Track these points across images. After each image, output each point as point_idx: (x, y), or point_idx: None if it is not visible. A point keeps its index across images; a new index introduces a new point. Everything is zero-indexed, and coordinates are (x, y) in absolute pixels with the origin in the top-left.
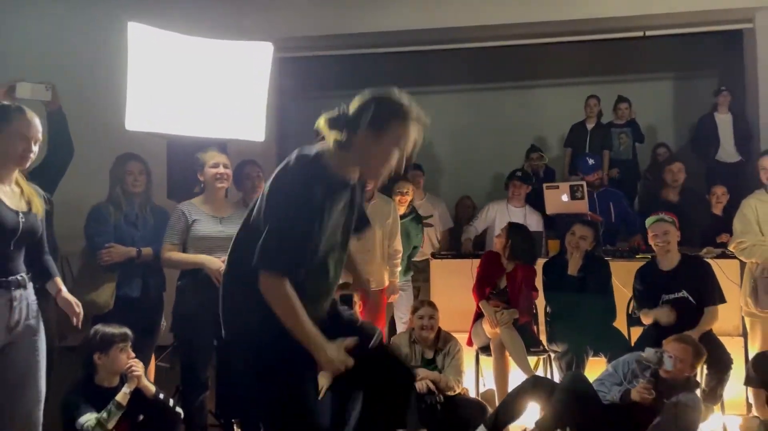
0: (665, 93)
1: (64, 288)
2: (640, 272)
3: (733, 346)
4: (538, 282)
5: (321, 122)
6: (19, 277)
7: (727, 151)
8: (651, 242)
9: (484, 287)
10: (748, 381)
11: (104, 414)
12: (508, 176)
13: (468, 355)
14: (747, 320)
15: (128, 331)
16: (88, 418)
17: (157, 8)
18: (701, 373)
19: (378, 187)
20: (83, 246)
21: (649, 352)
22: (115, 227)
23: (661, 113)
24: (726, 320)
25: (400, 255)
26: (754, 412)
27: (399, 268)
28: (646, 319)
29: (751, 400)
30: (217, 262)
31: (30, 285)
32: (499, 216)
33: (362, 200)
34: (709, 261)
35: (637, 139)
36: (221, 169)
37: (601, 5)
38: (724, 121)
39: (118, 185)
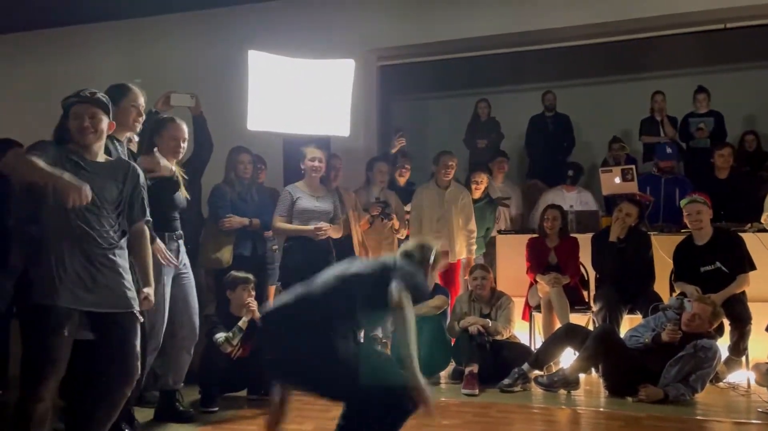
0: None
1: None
2: (678, 248)
3: None
4: (587, 251)
5: None
6: (176, 233)
7: None
8: (686, 220)
9: (536, 269)
10: None
11: (230, 334)
12: None
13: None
14: None
15: (250, 276)
16: (220, 335)
17: (273, 35)
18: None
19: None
20: (207, 217)
21: (671, 299)
22: (231, 202)
23: (763, 101)
24: (764, 287)
25: (475, 234)
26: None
27: (474, 247)
28: (678, 290)
29: None
30: (311, 229)
31: (182, 239)
32: (556, 200)
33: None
34: (752, 234)
35: (717, 133)
36: (316, 163)
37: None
38: None
39: (232, 171)
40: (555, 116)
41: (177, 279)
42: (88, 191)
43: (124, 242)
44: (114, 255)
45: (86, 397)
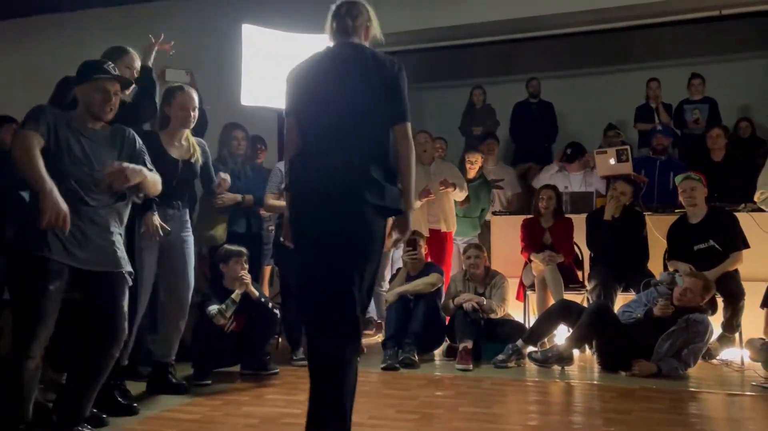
0: (761, 71)
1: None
2: (672, 226)
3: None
4: (581, 232)
5: None
6: (174, 203)
7: None
8: (680, 197)
9: (531, 248)
10: (763, 304)
11: (223, 306)
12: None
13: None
14: None
15: (243, 249)
16: (213, 307)
17: (268, 11)
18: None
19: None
20: (202, 194)
21: (663, 274)
22: None
23: (757, 91)
24: (759, 265)
25: (465, 193)
26: (762, 334)
27: (465, 190)
28: (672, 268)
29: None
30: None
31: (185, 212)
32: (560, 181)
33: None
34: (746, 213)
35: (712, 120)
36: None
37: None
38: None
39: (225, 147)
40: (539, 103)
41: (171, 251)
42: (67, 219)
43: (120, 206)
44: (106, 214)
45: (76, 361)
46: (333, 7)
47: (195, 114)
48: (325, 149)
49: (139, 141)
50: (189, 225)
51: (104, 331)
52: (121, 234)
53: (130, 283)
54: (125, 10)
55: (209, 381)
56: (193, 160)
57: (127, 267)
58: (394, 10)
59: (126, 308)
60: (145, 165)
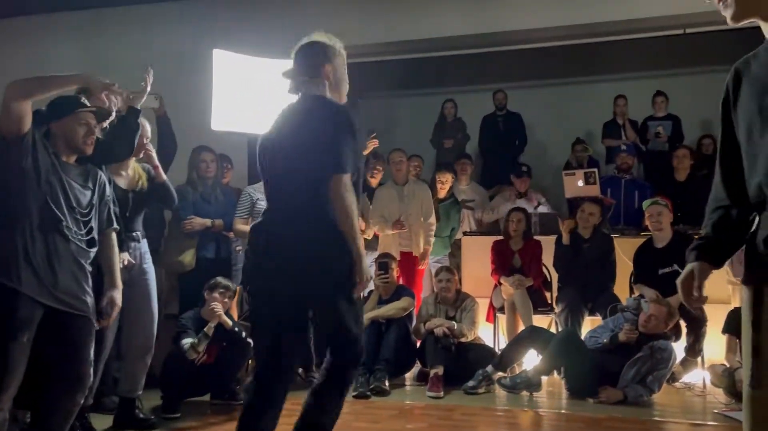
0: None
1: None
2: (638, 250)
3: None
4: (548, 253)
5: None
6: (133, 234)
7: None
8: (647, 222)
9: (500, 271)
10: (724, 329)
11: (195, 340)
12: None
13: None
14: (729, 287)
15: (231, 284)
16: (186, 341)
17: (237, 33)
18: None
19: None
20: (170, 219)
21: (629, 300)
22: (193, 203)
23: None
24: (720, 289)
25: (434, 228)
26: (723, 359)
27: (432, 238)
28: (637, 291)
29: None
30: None
31: (144, 242)
32: (509, 204)
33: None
34: None
35: (675, 137)
36: None
37: (646, 5)
38: None
39: (194, 171)
40: (506, 115)
41: (132, 285)
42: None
43: (93, 251)
44: (79, 255)
45: (40, 405)
46: (292, 55)
47: (145, 143)
48: (281, 218)
49: (109, 188)
50: (149, 256)
51: (69, 380)
52: (89, 276)
53: (97, 327)
54: (94, 34)
55: (179, 414)
56: (138, 189)
57: (93, 314)
58: (368, 22)
59: (92, 355)
60: (110, 211)
